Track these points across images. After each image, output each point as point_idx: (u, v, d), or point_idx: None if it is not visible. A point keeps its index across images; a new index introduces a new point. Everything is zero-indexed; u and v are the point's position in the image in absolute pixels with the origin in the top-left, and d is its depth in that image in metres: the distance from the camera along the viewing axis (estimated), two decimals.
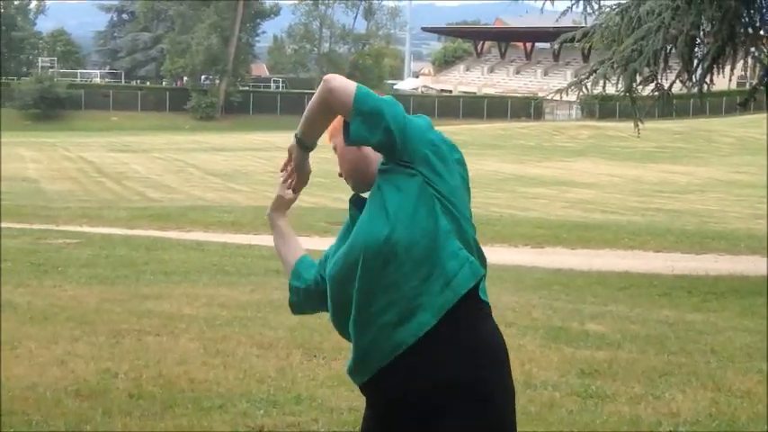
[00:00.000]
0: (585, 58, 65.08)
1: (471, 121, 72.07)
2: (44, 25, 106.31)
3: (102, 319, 8.22)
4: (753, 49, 14.40)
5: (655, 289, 11.87)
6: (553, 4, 15.07)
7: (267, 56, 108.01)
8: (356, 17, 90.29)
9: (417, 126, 2.74)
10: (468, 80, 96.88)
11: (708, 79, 14.31)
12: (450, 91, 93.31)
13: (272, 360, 6.82)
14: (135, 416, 5.45)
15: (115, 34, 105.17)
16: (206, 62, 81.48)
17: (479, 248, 2.80)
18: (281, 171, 3.00)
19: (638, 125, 14.76)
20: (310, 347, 7.14)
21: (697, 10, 13.03)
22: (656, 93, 14.41)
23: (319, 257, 3.04)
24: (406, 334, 2.66)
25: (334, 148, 2.92)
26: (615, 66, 13.90)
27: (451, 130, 42.51)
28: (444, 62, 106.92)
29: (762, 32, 14.19)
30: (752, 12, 13.67)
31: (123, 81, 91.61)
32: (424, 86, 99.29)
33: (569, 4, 14.61)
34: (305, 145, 2.89)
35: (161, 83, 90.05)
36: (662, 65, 13.92)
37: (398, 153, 2.70)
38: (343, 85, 2.71)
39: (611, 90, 15.03)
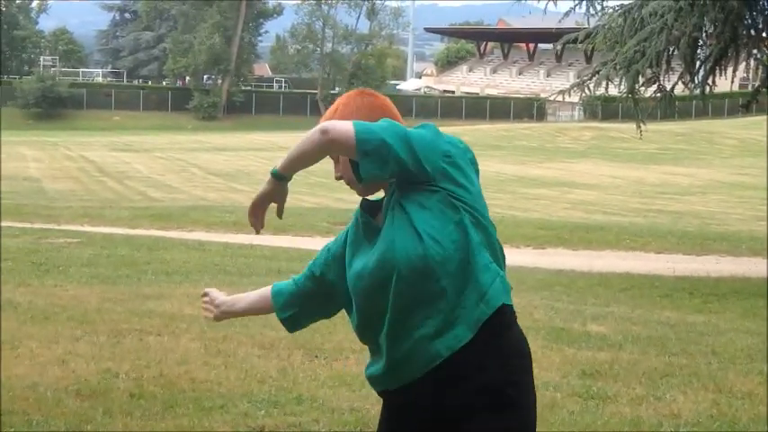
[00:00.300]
0: (588, 59, 65.32)
1: (474, 122, 72.15)
2: (46, 24, 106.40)
3: (104, 318, 8.21)
4: (755, 50, 14.43)
5: (656, 290, 11.87)
6: (556, 5, 15.08)
7: (270, 56, 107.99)
8: (359, 17, 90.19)
9: (425, 141, 2.66)
10: (470, 81, 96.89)
11: (710, 81, 14.33)
12: (453, 92, 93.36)
13: (274, 360, 6.81)
14: (136, 416, 5.45)
15: (117, 33, 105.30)
16: (208, 62, 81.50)
17: (501, 247, 2.79)
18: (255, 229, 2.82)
19: (640, 126, 14.78)
20: (312, 348, 7.13)
21: (700, 12, 13.04)
22: (659, 94, 14.43)
23: (319, 252, 3.01)
24: (441, 347, 2.64)
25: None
26: (618, 67, 13.91)
27: (454, 131, 42.12)
28: (447, 63, 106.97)
29: (764, 34, 14.20)
30: (754, 13, 13.68)
31: (125, 80, 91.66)
32: (427, 87, 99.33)
33: (572, 5, 14.62)
34: (286, 178, 2.72)
35: (163, 82, 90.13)
36: (664, 66, 13.93)
37: (415, 175, 2.64)
38: (342, 131, 2.60)
39: (613, 91, 15.05)
